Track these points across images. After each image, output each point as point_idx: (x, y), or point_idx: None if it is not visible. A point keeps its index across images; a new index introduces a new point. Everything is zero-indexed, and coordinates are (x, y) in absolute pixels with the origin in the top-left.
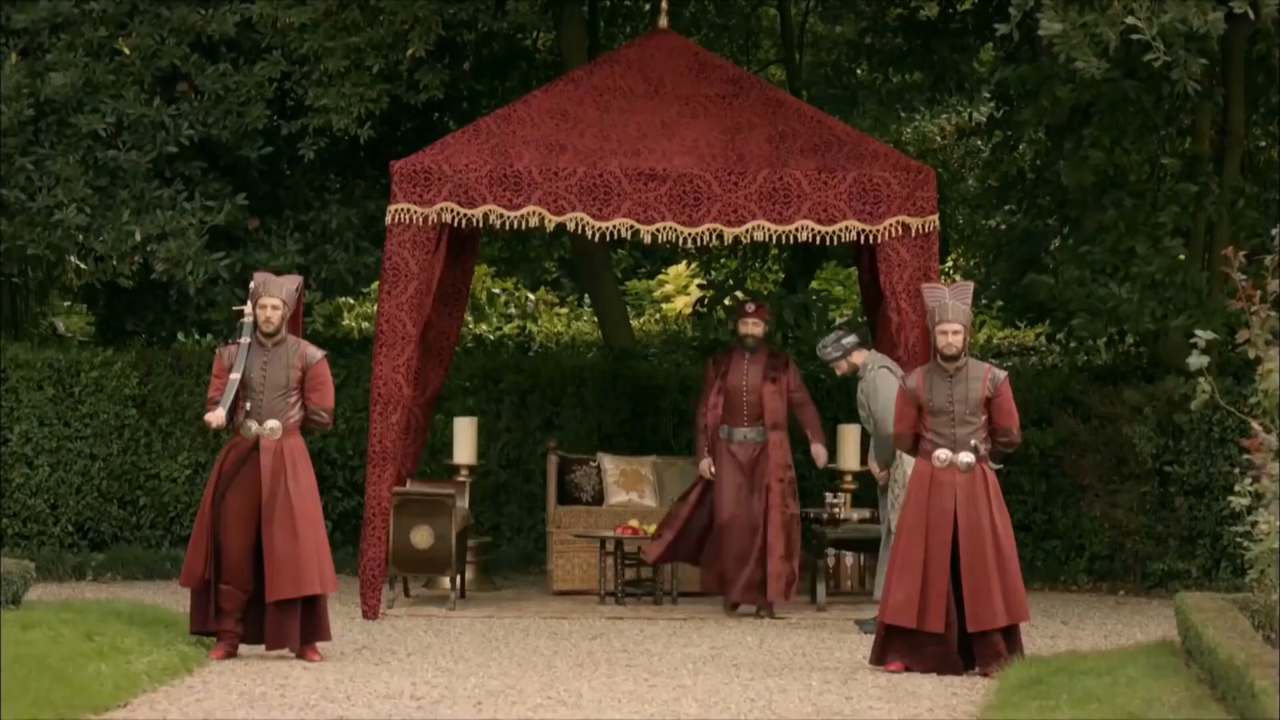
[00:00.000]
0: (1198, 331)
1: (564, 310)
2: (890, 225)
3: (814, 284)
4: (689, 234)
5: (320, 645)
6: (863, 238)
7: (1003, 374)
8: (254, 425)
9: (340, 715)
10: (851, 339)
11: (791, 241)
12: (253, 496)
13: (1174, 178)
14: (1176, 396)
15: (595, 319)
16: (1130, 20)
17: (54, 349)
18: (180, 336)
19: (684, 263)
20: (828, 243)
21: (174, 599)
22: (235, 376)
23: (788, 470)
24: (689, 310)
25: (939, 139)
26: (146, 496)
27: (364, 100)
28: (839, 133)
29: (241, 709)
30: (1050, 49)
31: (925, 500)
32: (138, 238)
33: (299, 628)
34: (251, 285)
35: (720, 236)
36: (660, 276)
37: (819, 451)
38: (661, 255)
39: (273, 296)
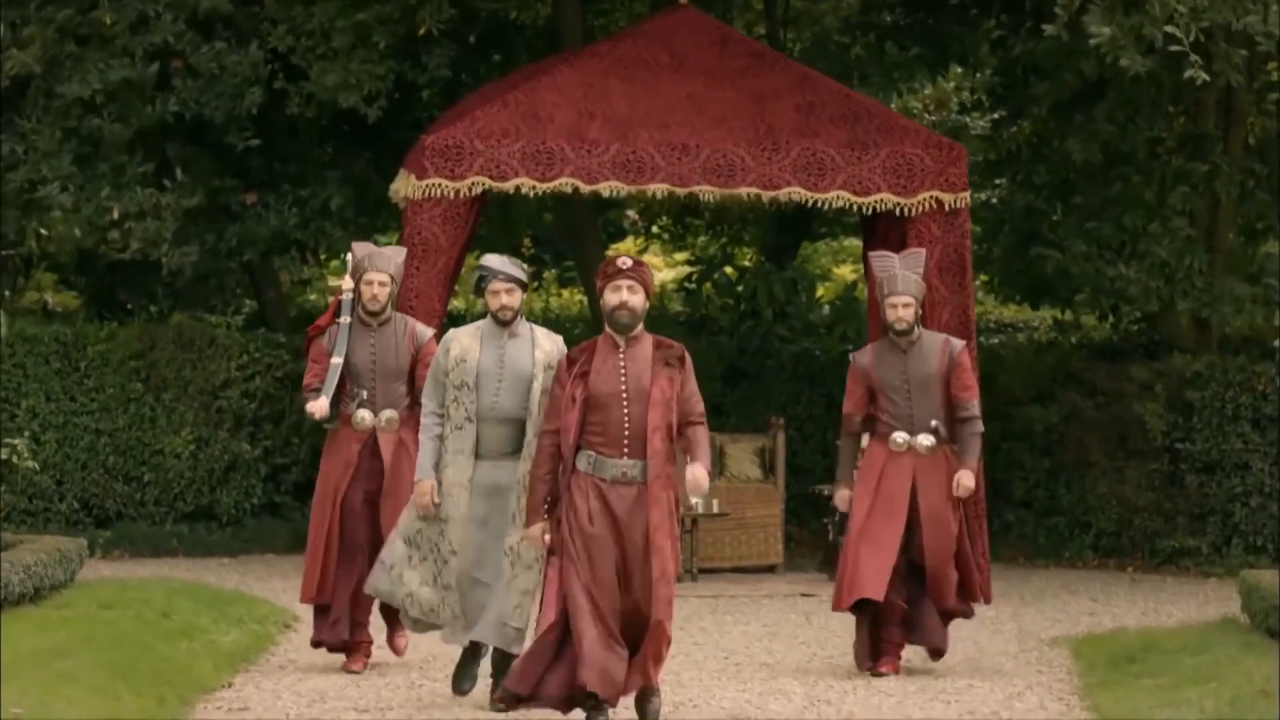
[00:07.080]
0: None
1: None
2: (923, 199)
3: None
4: (727, 195)
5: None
6: (898, 210)
7: (960, 343)
8: (368, 416)
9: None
10: None
11: (827, 208)
12: (371, 487)
13: (1180, 157)
14: (1188, 374)
15: (574, 294)
16: (1171, 30)
17: (60, 323)
18: (175, 316)
19: (630, 237)
20: (862, 212)
21: (193, 575)
22: (337, 361)
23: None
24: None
25: (926, 115)
26: (151, 472)
27: (373, 78)
28: (867, 105)
29: (350, 688)
30: (1089, 39)
31: (875, 486)
32: (115, 215)
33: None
34: (351, 258)
35: (757, 199)
36: (608, 253)
37: (695, 476)
38: (634, 233)
39: (380, 271)
